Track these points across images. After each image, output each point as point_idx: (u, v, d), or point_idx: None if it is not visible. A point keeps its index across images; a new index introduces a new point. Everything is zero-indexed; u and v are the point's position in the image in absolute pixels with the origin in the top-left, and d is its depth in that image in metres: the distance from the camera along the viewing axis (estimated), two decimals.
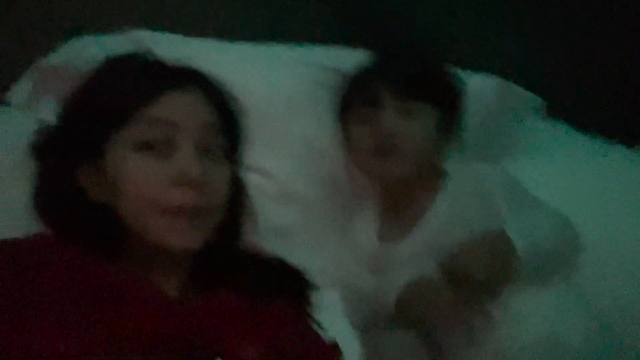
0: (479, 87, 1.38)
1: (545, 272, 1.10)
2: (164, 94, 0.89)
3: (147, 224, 0.87)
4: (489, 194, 1.13)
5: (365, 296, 1.13)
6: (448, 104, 1.22)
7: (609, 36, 1.52)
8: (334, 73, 1.30)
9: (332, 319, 0.99)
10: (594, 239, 1.17)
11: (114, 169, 0.88)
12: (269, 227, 1.13)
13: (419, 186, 1.18)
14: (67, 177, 0.90)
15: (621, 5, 1.49)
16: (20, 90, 1.10)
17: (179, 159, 0.87)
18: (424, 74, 1.21)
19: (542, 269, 1.09)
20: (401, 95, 1.16)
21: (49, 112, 1.02)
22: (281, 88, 1.27)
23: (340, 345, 0.94)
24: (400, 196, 1.20)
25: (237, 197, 0.98)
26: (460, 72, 1.29)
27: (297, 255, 1.03)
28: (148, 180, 0.86)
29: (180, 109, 0.90)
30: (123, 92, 0.90)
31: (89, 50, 1.14)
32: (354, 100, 1.20)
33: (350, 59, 1.33)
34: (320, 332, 0.95)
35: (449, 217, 1.14)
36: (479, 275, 1.03)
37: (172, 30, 1.34)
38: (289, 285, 0.97)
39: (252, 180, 1.09)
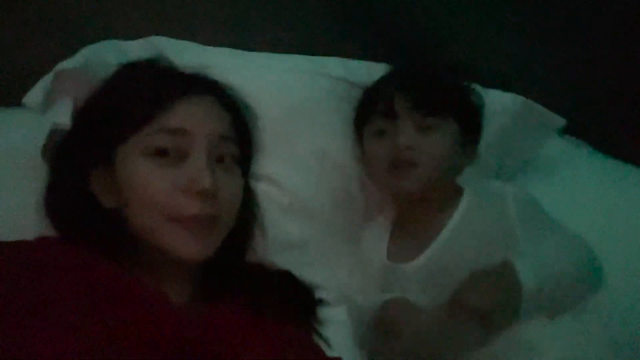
0: (499, 104, 1.37)
1: (560, 306, 1.06)
2: (178, 102, 0.89)
3: (156, 232, 0.86)
4: (507, 218, 1.10)
5: (370, 314, 1.11)
6: (467, 120, 1.19)
7: (614, 38, 1.48)
8: (349, 85, 1.28)
9: (339, 336, 0.98)
10: (613, 266, 1.13)
11: (125, 175, 0.88)
12: (278, 239, 1.12)
13: (435, 204, 1.16)
14: (79, 182, 0.90)
15: (622, 5, 1.46)
16: (36, 92, 1.10)
17: (191, 167, 0.87)
18: (443, 88, 1.19)
19: (555, 303, 1.05)
20: (419, 109, 1.14)
21: (63, 115, 1.03)
22: (296, 98, 1.26)
23: None
24: (415, 213, 1.17)
25: (247, 208, 0.98)
26: (480, 89, 1.27)
27: (305, 269, 1.02)
28: (158, 187, 0.86)
29: (193, 118, 0.89)
30: (137, 99, 0.90)
31: (107, 55, 1.14)
32: (370, 112, 1.19)
33: (366, 70, 1.31)
34: (325, 349, 0.94)
35: (462, 240, 1.11)
36: (484, 307, 1.00)
37: (191, 38, 1.34)
38: (297, 300, 0.96)
39: (263, 190, 1.08)
